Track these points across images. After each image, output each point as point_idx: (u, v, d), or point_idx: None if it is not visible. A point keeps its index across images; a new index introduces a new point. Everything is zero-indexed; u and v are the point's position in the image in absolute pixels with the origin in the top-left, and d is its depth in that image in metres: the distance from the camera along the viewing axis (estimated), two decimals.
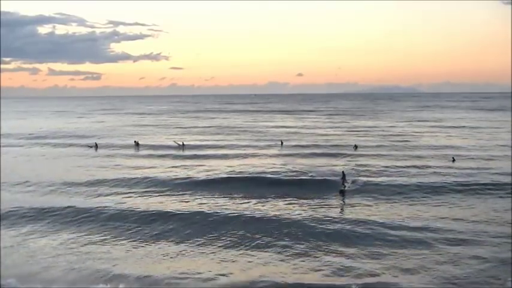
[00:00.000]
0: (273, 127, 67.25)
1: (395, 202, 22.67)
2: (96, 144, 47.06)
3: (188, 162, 34.44)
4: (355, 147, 43.88)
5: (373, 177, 28.17)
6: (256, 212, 20.42)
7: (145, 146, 45.39)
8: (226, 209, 21.02)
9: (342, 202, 23.13)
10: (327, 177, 27.81)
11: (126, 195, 23.96)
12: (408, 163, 33.06)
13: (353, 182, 26.37)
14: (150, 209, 20.68)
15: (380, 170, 30.39)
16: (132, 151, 42.28)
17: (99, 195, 24.20)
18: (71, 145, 48.30)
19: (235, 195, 23.80)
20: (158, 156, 38.37)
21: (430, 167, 31.48)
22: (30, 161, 37.80)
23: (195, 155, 38.74)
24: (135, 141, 47.72)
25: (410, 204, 22.22)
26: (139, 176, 28.33)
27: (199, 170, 30.67)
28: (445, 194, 23.85)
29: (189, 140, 49.78)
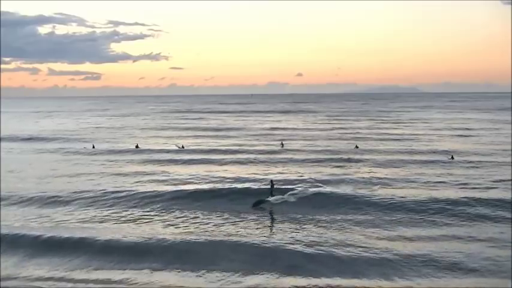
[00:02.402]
0: (272, 128, 66.74)
1: (339, 219, 19.79)
2: (94, 147, 46.82)
3: (183, 169, 33.35)
4: (356, 147, 44.20)
5: (335, 186, 25.97)
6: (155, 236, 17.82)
7: (145, 151, 44.54)
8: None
9: (269, 218, 20.63)
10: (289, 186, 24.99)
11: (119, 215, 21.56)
12: (395, 171, 31.52)
13: (296, 191, 23.39)
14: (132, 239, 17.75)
15: (353, 179, 28.34)
16: (130, 156, 41.00)
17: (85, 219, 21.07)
18: (62, 149, 46.79)
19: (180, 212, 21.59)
20: (155, 162, 37.29)
21: (425, 174, 30.10)
22: (14, 166, 36.37)
23: (192, 159, 38.01)
24: (136, 146, 47.60)
25: (370, 224, 19.10)
26: (129, 190, 25.67)
27: (186, 180, 28.90)
28: (418, 211, 20.91)
29: (188, 142, 49.52)
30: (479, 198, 22.43)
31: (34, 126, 78.10)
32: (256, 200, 22.17)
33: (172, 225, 19.61)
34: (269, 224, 19.77)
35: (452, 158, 36.19)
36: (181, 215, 21.04)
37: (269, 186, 23.12)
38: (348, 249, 16.16)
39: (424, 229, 18.58)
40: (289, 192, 23.14)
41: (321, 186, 25.58)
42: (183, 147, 46.52)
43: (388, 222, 19.49)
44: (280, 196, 22.61)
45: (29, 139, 56.49)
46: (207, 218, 20.47)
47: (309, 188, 24.70)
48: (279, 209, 21.63)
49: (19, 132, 64.18)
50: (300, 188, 24.19)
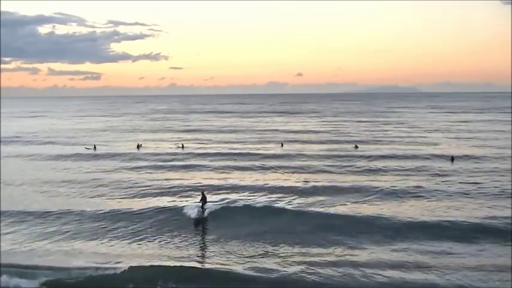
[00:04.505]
0: (271, 129, 66.12)
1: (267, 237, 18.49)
2: (95, 147, 46.85)
3: (181, 176, 32.24)
4: (356, 147, 44.25)
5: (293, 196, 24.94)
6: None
7: (146, 152, 44.15)
8: None
9: (200, 236, 19.20)
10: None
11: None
12: (389, 177, 30.39)
13: (221, 202, 22.14)
14: None
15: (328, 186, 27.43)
16: (130, 162, 39.31)
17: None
18: (63, 151, 45.64)
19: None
20: (154, 167, 35.93)
21: (421, 182, 28.92)
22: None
23: (190, 164, 36.81)
24: (138, 145, 47.92)
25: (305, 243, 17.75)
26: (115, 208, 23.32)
27: (179, 191, 27.01)
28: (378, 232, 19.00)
29: (187, 144, 49.02)
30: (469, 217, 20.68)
31: (32, 128, 77.60)
32: (196, 218, 20.66)
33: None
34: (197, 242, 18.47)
35: (453, 160, 36.13)
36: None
37: (200, 198, 21.71)
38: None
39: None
40: (211, 205, 21.69)
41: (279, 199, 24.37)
42: (182, 146, 46.82)
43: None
44: (204, 208, 21.18)
45: (28, 141, 56.16)
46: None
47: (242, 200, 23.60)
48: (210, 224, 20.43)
49: (18, 134, 64.09)
50: (218, 202, 22.72)
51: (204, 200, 21.23)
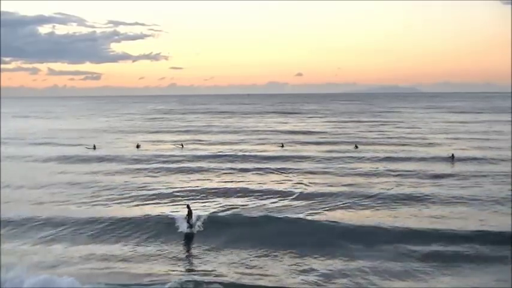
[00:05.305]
0: (271, 130, 65.85)
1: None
2: (94, 146, 46.89)
3: (174, 177, 31.88)
4: (356, 147, 44.19)
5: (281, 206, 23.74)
6: None
7: (145, 153, 43.84)
8: None
9: (186, 254, 17.64)
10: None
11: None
12: (386, 179, 29.96)
13: (199, 218, 19.98)
14: None
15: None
16: (127, 162, 38.84)
17: None
18: (62, 153, 44.74)
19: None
20: (152, 170, 34.97)
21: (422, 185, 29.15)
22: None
23: (188, 167, 35.77)
24: (137, 145, 48.08)
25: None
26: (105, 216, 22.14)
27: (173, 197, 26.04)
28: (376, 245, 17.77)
29: (187, 145, 48.81)
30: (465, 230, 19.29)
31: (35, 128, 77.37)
32: (186, 232, 19.28)
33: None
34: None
35: (453, 158, 36.46)
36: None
37: (186, 213, 20.01)
38: None
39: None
40: (202, 219, 20.14)
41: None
42: (182, 146, 46.91)
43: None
44: (191, 223, 19.61)
45: (26, 142, 55.87)
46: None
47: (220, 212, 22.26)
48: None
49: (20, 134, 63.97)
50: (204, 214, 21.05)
51: (189, 214, 19.70)
